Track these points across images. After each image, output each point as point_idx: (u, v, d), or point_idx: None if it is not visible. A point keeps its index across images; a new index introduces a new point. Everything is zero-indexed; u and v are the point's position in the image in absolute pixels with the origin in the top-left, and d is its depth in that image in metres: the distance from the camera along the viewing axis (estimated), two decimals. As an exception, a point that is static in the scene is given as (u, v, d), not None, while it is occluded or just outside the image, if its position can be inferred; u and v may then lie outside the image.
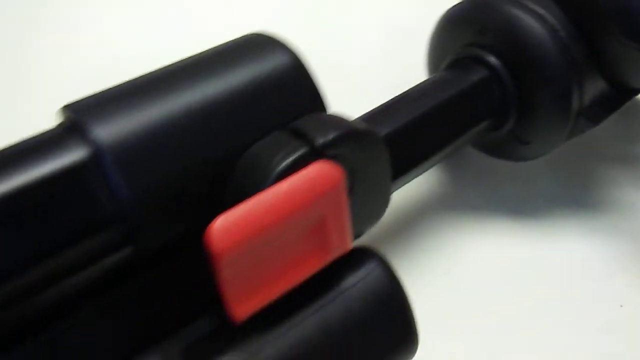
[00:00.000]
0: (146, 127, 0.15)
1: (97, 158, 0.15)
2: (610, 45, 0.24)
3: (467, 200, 0.27)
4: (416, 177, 0.23)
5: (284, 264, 0.16)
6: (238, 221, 0.15)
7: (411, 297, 0.22)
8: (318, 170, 0.16)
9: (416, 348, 0.20)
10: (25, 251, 0.14)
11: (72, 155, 0.15)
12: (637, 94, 0.26)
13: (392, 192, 0.21)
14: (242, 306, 0.16)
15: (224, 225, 0.14)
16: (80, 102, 0.16)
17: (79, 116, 0.15)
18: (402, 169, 0.22)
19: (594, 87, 0.25)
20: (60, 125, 0.16)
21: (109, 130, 0.15)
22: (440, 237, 0.26)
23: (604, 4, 0.23)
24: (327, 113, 0.17)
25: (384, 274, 0.19)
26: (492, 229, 0.26)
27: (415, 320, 0.20)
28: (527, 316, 0.24)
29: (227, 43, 0.18)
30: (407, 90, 0.23)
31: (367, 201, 0.18)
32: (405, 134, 0.22)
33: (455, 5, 0.26)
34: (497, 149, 0.27)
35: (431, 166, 0.24)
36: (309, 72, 0.17)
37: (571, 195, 0.28)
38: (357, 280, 0.19)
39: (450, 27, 0.26)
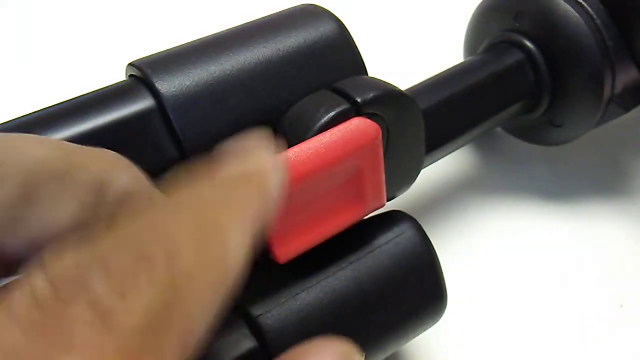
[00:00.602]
0: (204, 81, 0.17)
1: (160, 106, 0.17)
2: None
3: (495, 182, 0.28)
4: (449, 153, 0.25)
5: (323, 211, 0.18)
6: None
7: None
8: (357, 125, 0.17)
9: (444, 308, 0.21)
10: None
11: (139, 104, 0.17)
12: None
13: (424, 163, 0.22)
14: (285, 248, 0.17)
15: None
16: (145, 59, 0.18)
17: (145, 71, 0.17)
18: (436, 143, 0.23)
19: (627, 75, 0.25)
20: (129, 78, 0.18)
21: (171, 83, 0.17)
22: (468, 215, 0.27)
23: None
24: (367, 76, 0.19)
25: (416, 235, 0.21)
26: (519, 209, 0.27)
27: (444, 282, 0.21)
28: (548, 290, 0.25)
29: (280, 12, 0.20)
30: (444, 70, 0.25)
31: (400, 163, 0.20)
32: (440, 111, 0.23)
33: None
34: (529, 133, 0.28)
35: (464, 143, 0.25)
36: (352, 40, 0.19)
37: (598, 181, 0.29)
38: (390, 239, 0.20)
39: (488, 12, 0.27)
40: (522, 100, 0.26)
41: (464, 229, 0.27)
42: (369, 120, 0.17)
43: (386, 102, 0.18)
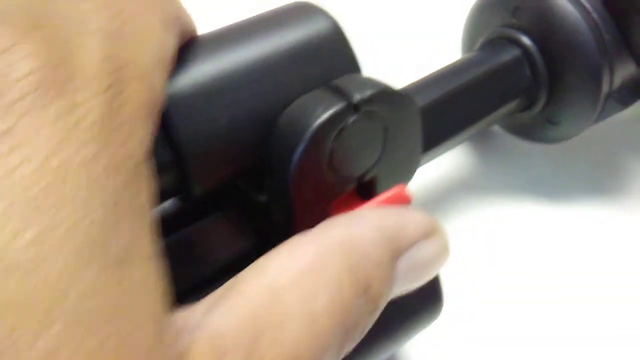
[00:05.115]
0: (200, 79, 0.17)
1: None
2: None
3: (491, 181, 0.28)
4: (445, 152, 0.24)
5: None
6: None
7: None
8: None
9: (441, 309, 0.21)
10: None
11: None
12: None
13: (420, 161, 0.22)
14: None
15: None
16: None
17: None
18: (432, 142, 0.23)
19: (624, 70, 0.25)
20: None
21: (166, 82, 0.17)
22: (463, 215, 0.27)
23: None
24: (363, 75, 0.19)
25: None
26: (515, 208, 0.27)
27: (442, 285, 0.21)
28: (546, 289, 0.25)
29: (273, 10, 0.19)
30: (440, 69, 0.25)
31: (397, 161, 0.19)
32: (436, 109, 0.23)
33: None
34: (526, 131, 0.27)
35: (460, 142, 0.25)
36: (346, 37, 0.19)
37: (596, 180, 0.28)
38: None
39: (485, 7, 0.27)
40: (519, 98, 0.25)
41: (460, 228, 0.27)
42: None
43: (384, 101, 0.18)
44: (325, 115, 0.17)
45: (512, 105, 0.25)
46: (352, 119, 0.17)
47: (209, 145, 0.17)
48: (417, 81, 0.24)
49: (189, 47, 0.18)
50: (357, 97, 0.17)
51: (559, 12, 0.24)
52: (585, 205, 0.27)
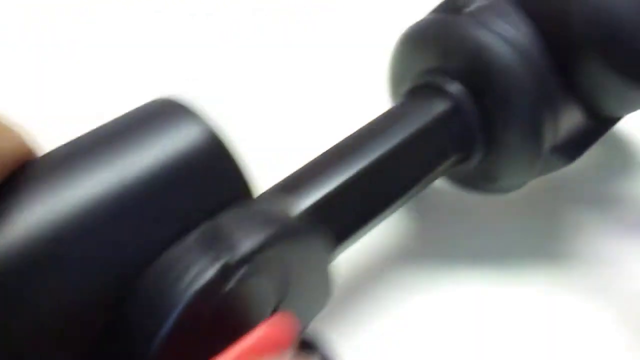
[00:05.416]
0: (25, 235, 0.12)
1: None
2: (591, 73, 0.21)
3: (431, 247, 0.24)
4: (372, 229, 0.20)
5: None
6: None
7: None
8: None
9: None
10: None
11: None
12: (615, 124, 0.24)
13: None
14: None
15: None
16: None
17: None
18: (352, 227, 0.19)
19: (570, 119, 0.22)
20: None
21: None
22: (408, 286, 0.23)
23: (586, 31, 0.20)
24: (252, 202, 0.14)
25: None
26: (458, 276, 0.24)
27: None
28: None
29: (125, 115, 0.14)
30: (357, 130, 0.20)
31: (305, 296, 0.15)
32: (353, 187, 0.19)
33: (415, 24, 0.22)
34: (465, 181, 0.24)
35: (388, 216, 0.21)
36: (227, 148, 0.14)
37: (540, 239, 0.25)
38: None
39: (409, 48, 0.22)
40: (451, 157, 0.21)
41: (400, 303, 0.23)
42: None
43: (280, 243, 0.13)
44: (198, 284, 0.12)
45: (443, 166, 0.21)
46: (238, 276, 0.13)
47: (41, 332, 0.12)
48: (327, 153, 0.20)
49: (14, 182, 0.13)
50: (243, 248, 0.13)
51: (493, 55, 0.20)
52: (521, 267, 0.24)
